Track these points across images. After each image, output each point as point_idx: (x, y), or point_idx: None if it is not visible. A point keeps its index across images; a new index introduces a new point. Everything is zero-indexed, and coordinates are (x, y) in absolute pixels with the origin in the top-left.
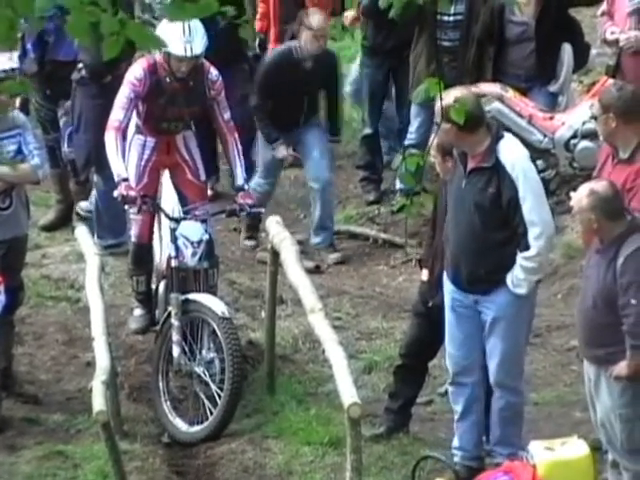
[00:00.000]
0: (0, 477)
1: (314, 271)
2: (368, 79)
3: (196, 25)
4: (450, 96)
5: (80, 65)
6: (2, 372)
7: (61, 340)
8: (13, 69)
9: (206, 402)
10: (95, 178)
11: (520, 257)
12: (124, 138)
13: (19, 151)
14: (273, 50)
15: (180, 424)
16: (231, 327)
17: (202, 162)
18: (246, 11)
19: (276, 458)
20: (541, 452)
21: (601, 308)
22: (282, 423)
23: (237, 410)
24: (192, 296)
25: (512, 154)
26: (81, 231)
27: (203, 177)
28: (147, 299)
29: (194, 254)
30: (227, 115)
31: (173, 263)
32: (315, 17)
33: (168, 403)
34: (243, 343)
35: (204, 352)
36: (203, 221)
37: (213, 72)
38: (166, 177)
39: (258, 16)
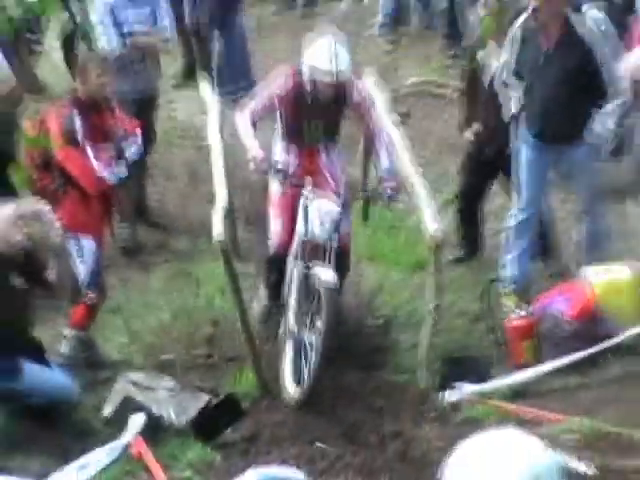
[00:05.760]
0: (136, 290)
1: (404, 117)
2: None
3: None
4: None
5: None
6: (137, 204)
7: (186, 177)
8: None
9: (304, 369)
10: (214, 43)
11: (601, 111)
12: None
13: (151, 20)
14: None
15: (288, 382)
16: (334, 299)
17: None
18: None
19: (369, 278)
20: (596, 275)
21: None
22: (374, 248)
23: None
24: (312, 269)
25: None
26: (203, 83)
27: (341, 189)
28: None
29: (323, 229)
30: (372, 123)
31: (303, 236)
32: None
33: (292, 353)
34: None
35: (319, 322)
36: (335, 201)
37: (360, 89)
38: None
39: None
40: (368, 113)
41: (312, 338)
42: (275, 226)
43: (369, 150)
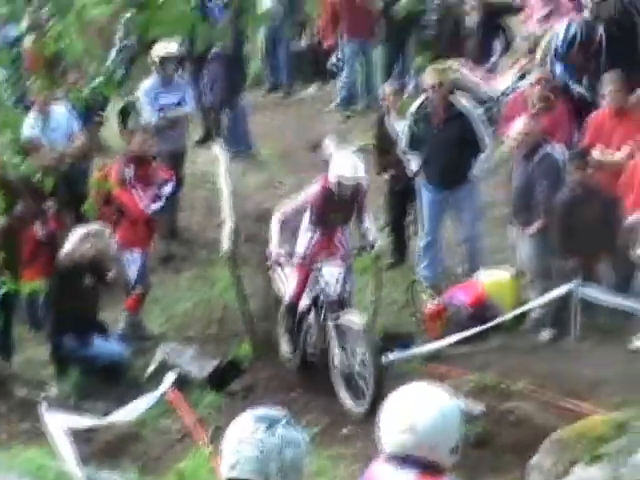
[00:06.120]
0: (169, 287)
1: None
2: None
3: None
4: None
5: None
6: (170, 227)
7: (204, 208)
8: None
9: (362, 387)
10: (223, 116)
11: (481, 157)
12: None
13: (180, 101)
14: None
15: (348, 399)
16: (369, 335)
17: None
18: None
19: None
20: (485, 276)
21: None
22: None
23: None
24: (341, 319)
25: (466, 107)
26: (216, 144)
27: (348, 253)
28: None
29: (336, 288)
30: (363, 201)
31: (322, 297)
32: None
33: (344, 383)
34: None
35: (357, 355)
36: (340, 264)
37: (365, 188)
38: None
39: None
40: (363, 196)
41: (356, 367)
42: (292, 281)
43: None
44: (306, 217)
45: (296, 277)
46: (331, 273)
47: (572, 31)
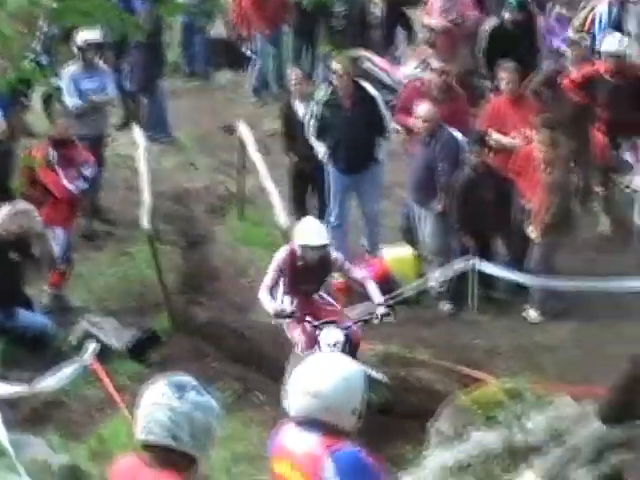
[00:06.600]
0: (92, 263)
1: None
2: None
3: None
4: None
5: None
6: (93, 206)
7: (124, 188)
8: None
9: None
10: (142, 101)
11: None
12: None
13: (101, 87)
14: None
15: None
16: None
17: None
18: None
19: (244, 254)
20: (387, 252)
21: None
22: (248, 234)
23: None
24: None
25: (372, 91)
26: (136, 128)
27: (337, 307)
28: None
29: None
30: (355, 273)
31: None
32: None
33: None
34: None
35: None
36: (342, 328)
37: (335, 256)
38: None
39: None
40: (343, 267)
41: None
42: (296, 331)
43: None
44: (281, 284)
45: (297, 327)
46: (329, 338)
47: (614, 13)
